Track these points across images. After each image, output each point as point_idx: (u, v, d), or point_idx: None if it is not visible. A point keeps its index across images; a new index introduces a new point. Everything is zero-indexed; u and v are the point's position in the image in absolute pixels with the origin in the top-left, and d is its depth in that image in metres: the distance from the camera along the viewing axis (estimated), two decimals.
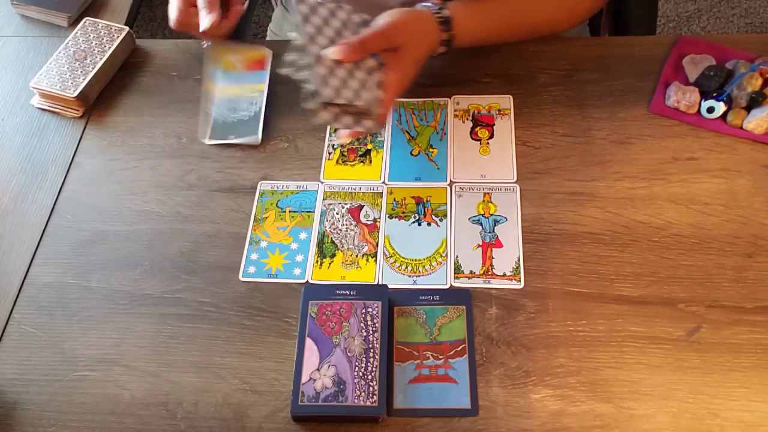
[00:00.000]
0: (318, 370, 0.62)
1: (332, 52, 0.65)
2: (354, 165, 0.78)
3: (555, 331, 0.65)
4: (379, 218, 0.74)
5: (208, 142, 0.80)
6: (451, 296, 0.68)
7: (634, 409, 0.60)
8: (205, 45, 0.83)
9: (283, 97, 0.84)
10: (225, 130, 0.80)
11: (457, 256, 0.70)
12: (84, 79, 0.83)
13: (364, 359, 0.62)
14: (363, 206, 0.75)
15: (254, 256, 0.71)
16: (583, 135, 0.78)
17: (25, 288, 0.70)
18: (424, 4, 0.76)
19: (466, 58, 0.85)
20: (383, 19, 0.71)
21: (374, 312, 0.64)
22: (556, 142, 0.78)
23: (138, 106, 0.85)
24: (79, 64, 0.84)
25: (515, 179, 0.75)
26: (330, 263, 0.71)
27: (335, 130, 0.79)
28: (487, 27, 0.80)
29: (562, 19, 0.84)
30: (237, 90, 0.83)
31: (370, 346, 0.62)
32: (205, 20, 0.75)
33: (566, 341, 0.64)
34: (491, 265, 0.69)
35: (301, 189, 0.76)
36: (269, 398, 0.63)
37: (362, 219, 0.74)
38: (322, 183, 0.77)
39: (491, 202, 0.74)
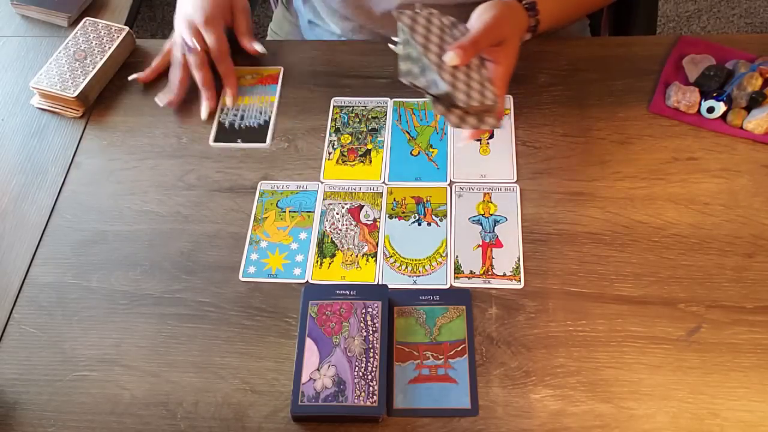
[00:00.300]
0: (318, 370, 0.62)
1: (450, 58, 0.66)
2: (354, 165, 0.78)
3: (555, 331, 0.65)
4: (379, 218, 0.74)
5: (212, 144, 0.80)
6: (451, 296, 0.68)
7: (634, 409, 0.60)
8: None
9: (283, 96, 0.84)
10: (232, 135, 0.81)
11: (457, 256, 0.70)
12: (84, 79, 0.83)
13: (364, 359, 0.62)
14: (363, 206, 0.75)
15: (254, 256, 0.71)
16: (583, 135, 0.78)
17: (25, 288, 0.70)
18: None
19: None
20: (482, 17, 0.70)
21: (374, 312, 0.64)
22: (556, 142, 0.78)
23: (138, 106, 0.85)
24: (79, 64, 0.84)
25: (515, 179, 0.75)
26: (330, 263, 0.71)
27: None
28: (564, 6, 0.81)
29: None
30: (247, 99, 0.84)
31: (370, 346, 0.62)
32: (204, 111, 0.82)
33: (566, 341, 0.64)
34: (491, 265, 0.69)
35: (302, 189, 0.76)
36: (269, 398, 0.63)
37: (362, 219, 0.74)
38: (322, 183, 0.77)
39: (491, 202, 0.74)
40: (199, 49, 0.81)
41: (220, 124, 0.81)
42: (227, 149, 0.80)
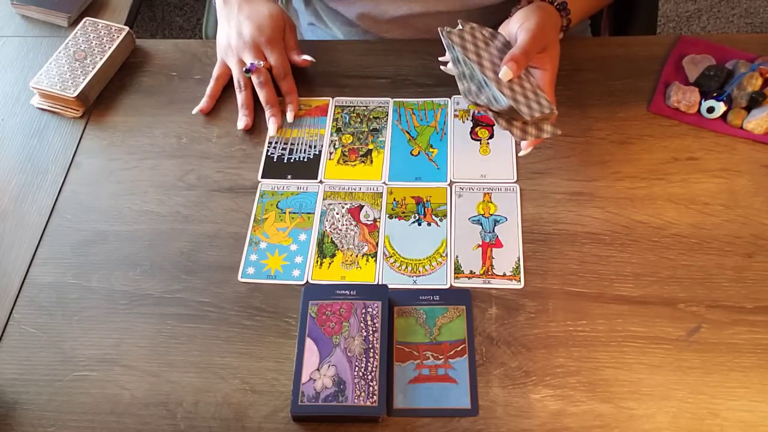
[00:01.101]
0: (318, 370, 0.62)
1: (505, 74, 0.66)
2: (355, 165, 0.78)
3: (555, 331, 0.65)
4: (379, 218, 0.74)
5: (260, 180, 0.77)
6: (451, 296, 0.68)
7: (634, 409, 0.60)
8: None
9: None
10: (281, 170, 0.78)
11: (457, 256, 0.70)
12: (84, 79, 0.83)
13: (364, 359, 0.62)
14: (363, 206, 0.75)
15: (253, 257, 0.71)
16: (583, 135, 0.78)
17: (25, 288, 0.70)
18: None
19: None
20: (525, 24, 0.70)
21: (374, 312, 0.64)
22: (556, 142, 0.78)
23: (138, 106, 0.85)
24: (79, 64, 0.84)
25: (515, 179, 0.75)
26: (330, 263, 0.71)
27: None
28: (588, 2, 0.82)
29: None
30: (296, 132, 0.82)
31: (370, 346, 0.62)
32: (272, 127, 0.81)
33: (566, 341, 0.64)
34: (491, 265, 0.69)
35: (302, 190, 0.76)
36: (269, 398, 0.63)
37: (362, 219, 0.74)
38: (322, 183, 0.77)
39: (491, 202, 0.74)
40: (263, 67, 0.81)
41: (268, 158, 0.79)
42: (227, 149, 0.80)
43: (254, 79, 0.82)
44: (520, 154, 0.73)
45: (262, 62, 0.81)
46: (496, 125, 0.71)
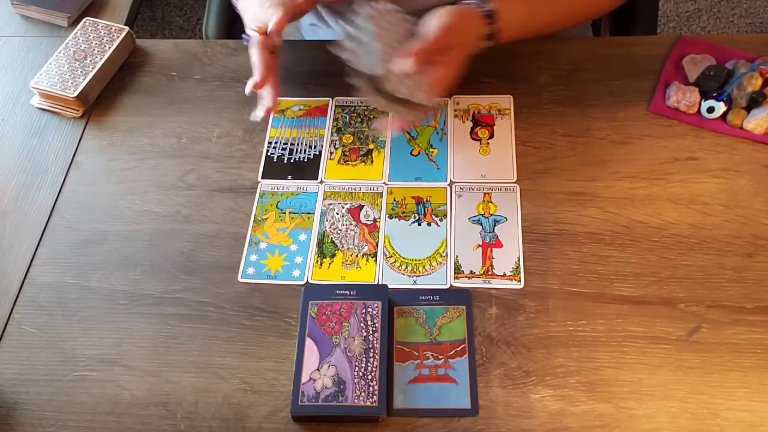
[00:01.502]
0: (318, 370, 0.62)
1: (399, 65, 0.67)
2: (356, 165, 0.78)
3: (555, 331, 0.65)
4: (379, 218, 0.74)
5: (260, 180, 0.77)
6: (451, 296, 0.68)
7: (634, 409, 0.60)
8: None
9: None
10: (281, 171, 0.78)
11: (457, 256, 0.70)
12: (84, 79, 0.83)
13: (364, 359, 0.62)
14: (363, 206, 0.75)
15: (253, 257, 0.71)
16: (583, 135, 0.78)
17: (25, 288, 0.70)
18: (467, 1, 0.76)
19: None
20: (434, 23, 0.71)
21: (374, 312, 0.64)
22: (556, 142, 0.78)
23: (138, 106, 0.85)
24: (79, 64, 0.84)
25: (515, 179, 0.75)
26: (330, 263, 0.71)
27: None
28: (535, 17, 0.80)
29: (608, 2, 0.86)
30: (295, 132, 0.81)
31: (370, 346, 0.62)
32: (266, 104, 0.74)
33: (566, 341, 0.64)
34: (491, 265, 0.69)
35: (302, 190, 0.76)
36: (269, 398, 0.63)
37: (362, 219, 0.74)
38: (322, 183, 0.77)
39: (491, 202, 0.74)
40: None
41: (268, 158, 0.79)
42: (227, 149, 0.80)
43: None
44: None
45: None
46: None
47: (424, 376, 0.63)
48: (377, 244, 0.72)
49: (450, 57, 0.71)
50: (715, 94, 0.77)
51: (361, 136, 0.80)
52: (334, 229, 0.73)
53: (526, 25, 0.80)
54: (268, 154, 0.79)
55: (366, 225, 0.73)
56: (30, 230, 0.74)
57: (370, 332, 0.63)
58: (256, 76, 0.74)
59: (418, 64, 0.68)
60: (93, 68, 0.84)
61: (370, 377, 0.61)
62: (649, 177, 0.74)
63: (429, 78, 0.70)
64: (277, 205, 0.75)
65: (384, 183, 0.76)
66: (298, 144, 0.80)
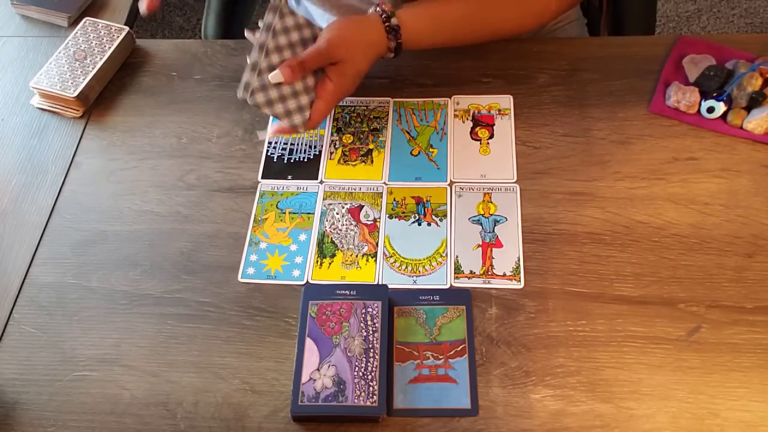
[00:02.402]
0: (318, 370, 0.62)
1: (274, 76, 0.68)
2: (356, 165, 0.78)
3: (555, 331, 0.65)
4: (379, 218, 0.74)
5: (260, 180, 0.77)
6: (451, 296, 0.68)
7: (634, 409, 0.60)
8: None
9: None
10: (281, 171, 0.78)
11: (457, 256, 0.70)
12: (84, 79, 0.83)
13: (364, 359, 0.62)
14: (363, 206, 0.75)
15: (253, 257, 0.71)
16: (583, 135, 0.78)
17: (25, 288, 0.70)
18: (372, 9, 0.75)
19: (466, 58, 0.85)
20: (325, 35, 0.71)
21: (374, 312, 0.64)
22: (556, 142, 0.78)
23: (138, 106, 0.85)
24: (79, 64, 0.84)
25: (515, 179, 0.75)
26: (330, 263, 0.71)
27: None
28: (442, 31, 0.78)
29: (527, 22, 0.82)
30: (295, 133, 0.81)
31: (370, 346, 0.62)
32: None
33: (566, 341, 0.64)
34: (491, 265, 0.69)
35: (302, 190, 0.76)
36: (269, 398, 0.63)
37: (362, 219, 0.74)
38: (322, 183, 0.77)
39: (491, 202, 0.74)
40: None
41: (268, 158, 0.79)
42: (227, 149, 0.80)
43: None
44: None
45: None
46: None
47: (424, 376, 0.63)
48: (377, 244, 0.72)
49: (337, 71, 0.71)
50: (715, 94, 0.77)
51: (361, 136, 0.80)
52: (334, 229, 0.73)
53: (436, 36, 0.79)
54: (268, 154, 0.79)
55: (366, 225, 0.73)
56: (30, 230, 0.74)
57: (370, 332, 0.63)
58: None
59: (293, 77, 0.68)
60: (93, 68, 0.84)
61: (370, 377, 0.61)
62: (649, 177, 0.74)
63: (319, 94, 0.71)
64: (277, 205, 0.75)
65: (384, 183, 0.76)
66: (298, 144, 0.80)
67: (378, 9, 0.74)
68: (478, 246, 0.71)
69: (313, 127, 0.73)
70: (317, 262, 0.71)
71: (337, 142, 0.80)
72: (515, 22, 0.81)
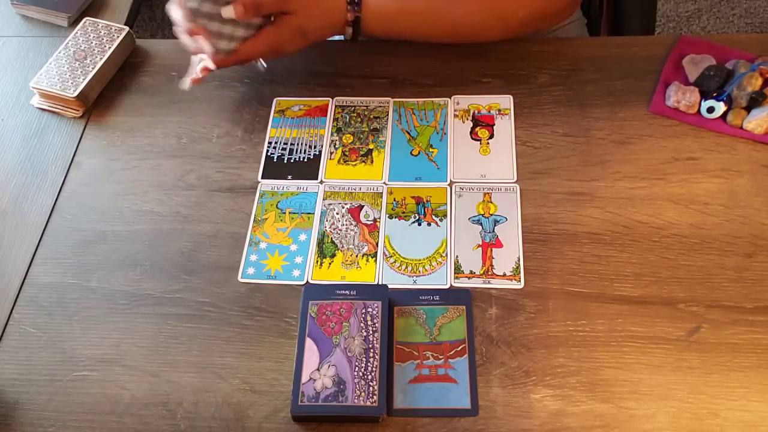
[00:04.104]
0: (318, 370, 0.62)
1: (226, 10, 0.68)
2: (356, 165, 0.78)
3: (555, 331, 0.65)
4: (379, 218, 0.74)
5: (260, 180, 0.77)
6: (451, 296, 0.68)
7: (634, 409, 0.60)
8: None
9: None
10: (281, 171, 0.78)
11: (457, 256, 0.70)
12: (84, 79, 0.83)
13: (364, 359, 0.62)
14: (363, 206, 0.75)
15: (253, 257, 0.71)
16: (583, 135, 0.78)
17: (25, 288, 0.70)
18: None
19: (466, 58, 0.85)
20: None
21: (374, 312, 0.64)
22: (556, 142, 0.78)
23: (138, 106, 0.85)
24: (79, 64, 0.84)
25: (515, 179, 0.75)
26: (330, 263, 0.71)
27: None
28: (404, 16, 0.78)
29: (491, 25, 0.81)
30: (295, 132, 0.81)
31: (370, 346, 0.62)
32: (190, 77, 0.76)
33: (566, 341, 0.64)
34: (491, 265, 0.69)
35: (302, 190, 0.76)
36: (269, 398, 0.63)
37: (362, 219, 0.74)
38: (322, 183, 0.77)
39: (491, 202, 0.74)
40: None
41: (268, 158, 0.79)
42: (227, 149, 0.80)
43: None
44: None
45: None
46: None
47: (424, 376, 0.63)
48: (377, 244, 0.72)
49: (282, 20, 0.71)
50: (715, 94, 0.77)
51: (361, 136, 0.80)
52: (334, 229, 0.73)
53: (397, 22, 0.78)
54: (268, 154, 0.79)
55: (366, 225, 0.73)
56: (30, 230, 0.74)
57: (370, 332, 0.63)
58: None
59: (245, 14, 0.68)
60: (93, 68, 0.84)
61: (370, 377, 0.61)
62: (649, 177, 0.74)
63: (247, 33, 0.71)
64: (277, 205, 0.75)
65: (384, 183, 0.76)
66: (298, 144, 0.80)
67: None
68: (478, 246, 0.71)
69: (231, 63, 0.73)
70: (317, 262, 0.71)
71: (337, 142, 0.80)
72: (477, 17, 0.80)
